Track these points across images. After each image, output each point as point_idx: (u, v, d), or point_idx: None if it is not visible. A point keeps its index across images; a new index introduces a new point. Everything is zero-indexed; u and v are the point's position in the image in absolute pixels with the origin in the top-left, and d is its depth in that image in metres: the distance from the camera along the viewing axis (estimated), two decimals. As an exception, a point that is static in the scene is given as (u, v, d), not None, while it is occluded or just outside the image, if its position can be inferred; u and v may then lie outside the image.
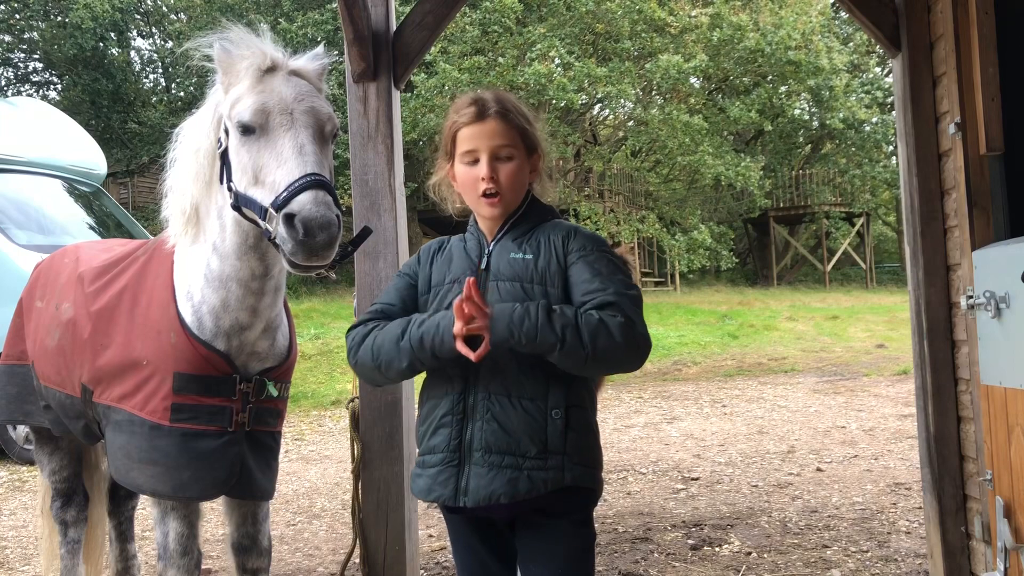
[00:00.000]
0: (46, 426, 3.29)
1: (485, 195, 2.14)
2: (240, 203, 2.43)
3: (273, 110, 2.37)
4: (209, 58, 2.54)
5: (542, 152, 2.23)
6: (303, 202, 2.21)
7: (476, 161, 2.14)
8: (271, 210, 2.27)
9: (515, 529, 2.15)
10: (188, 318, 2.62)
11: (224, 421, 2.61)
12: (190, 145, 2.66)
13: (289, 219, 2.21)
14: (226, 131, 2.48)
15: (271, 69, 2.44)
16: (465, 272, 2.13)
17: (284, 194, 2.25)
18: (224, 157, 2.49)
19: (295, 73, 2.48)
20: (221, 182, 2.52)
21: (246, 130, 2.39)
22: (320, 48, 2.64)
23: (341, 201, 2.40)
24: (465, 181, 2.17)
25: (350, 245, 2.50)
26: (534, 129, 2.19)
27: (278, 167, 2.31)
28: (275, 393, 2.75)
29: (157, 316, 2.66)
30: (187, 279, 2.66)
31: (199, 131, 2.63)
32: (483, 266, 2.15)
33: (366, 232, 2.58)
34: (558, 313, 1.95)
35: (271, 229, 2.29)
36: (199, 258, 2.63)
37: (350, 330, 2.21)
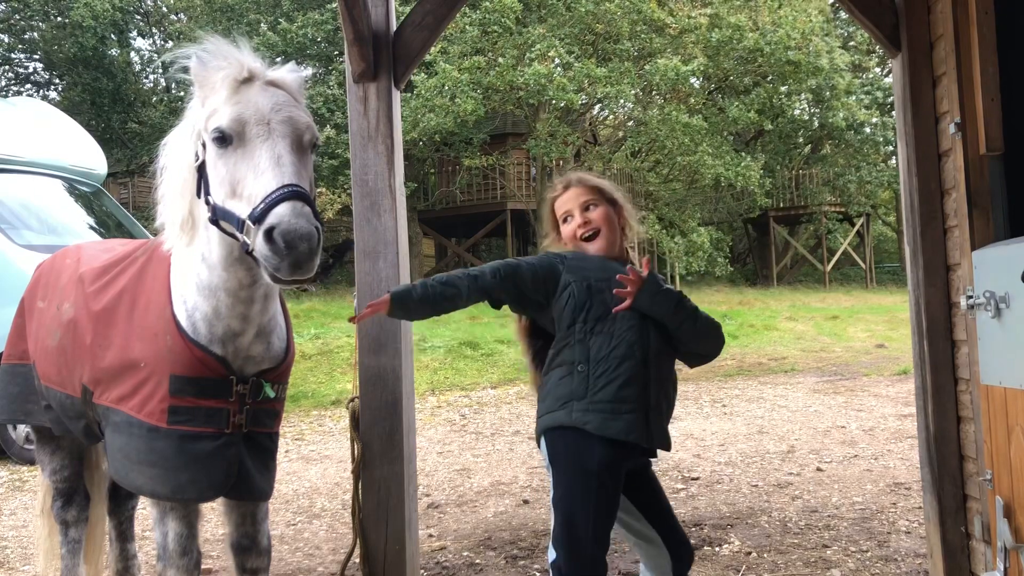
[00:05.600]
0: (47, 426, 3.29)
1: (584, 239, 2.81)
2: (218, 216, 2.39)
3: (250, 120, 2.32)
4: (187, 69, 2.50)
5: (625, 208, 2.90)
6: (281, 214, 2.16)
7: (572, 218, 2.86)
8: (248, 222, 2.23)
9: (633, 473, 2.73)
10: (184, 322, 2.61)
11: (221, 423, 2.61)
12: (175, 158, 2.63)
13: (268, 232, 2.16)
14: (204, 144, 2.44)
15: (248, 80, 2.40)
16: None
17: (261, 206, 2.20)
18: (201, 170, 2.45)
19: (273, 83, 2.43)
20: (199, 196, 2.48)
21: (222, 141, 2.34)
22: (292, 64, 2.59)
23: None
24: (567, 236, 2.87)
25: (331, 258, 2.47)
26: (611, 192, 2.89)
27: (255, 179, 2.26)
28: (272, 394, 2.74)
29: (154, 318, 2.66)
30: (181, 284, 2.65)
31: (181, 144, 2.61)
32: None
33: (347, 245, 2.57)
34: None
35: (249, 242, 2.24)
36: (191, 266, 2.62)
37: None
